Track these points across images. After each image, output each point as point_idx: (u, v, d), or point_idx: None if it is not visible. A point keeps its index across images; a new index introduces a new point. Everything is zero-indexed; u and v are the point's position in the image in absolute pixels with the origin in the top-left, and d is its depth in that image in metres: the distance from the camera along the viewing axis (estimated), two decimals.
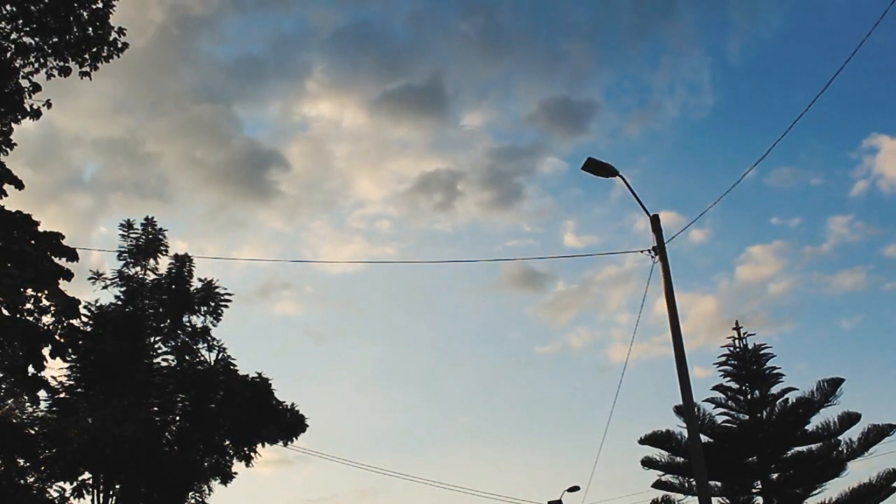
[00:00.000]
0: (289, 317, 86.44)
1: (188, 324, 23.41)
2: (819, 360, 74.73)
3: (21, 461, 19.51)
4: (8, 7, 13.26)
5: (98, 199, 79.92)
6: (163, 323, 23.33)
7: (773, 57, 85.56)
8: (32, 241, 15.58)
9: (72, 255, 16.08)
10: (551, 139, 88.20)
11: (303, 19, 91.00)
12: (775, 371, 29.91)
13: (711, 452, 24.89)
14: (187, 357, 23.10)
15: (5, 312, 15.81)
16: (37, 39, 13.54)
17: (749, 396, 29.90)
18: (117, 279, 23.28)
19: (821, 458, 28.63)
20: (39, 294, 16.14)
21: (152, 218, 24.01)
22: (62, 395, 21.87)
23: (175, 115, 78.12)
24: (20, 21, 13.35)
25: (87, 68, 13.84)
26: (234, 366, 23.29)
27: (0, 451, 18.43)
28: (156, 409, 22.58)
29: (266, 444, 23.70)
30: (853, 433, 28.54)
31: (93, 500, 20.98)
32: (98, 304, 22.66)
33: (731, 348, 30.46)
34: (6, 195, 15.08)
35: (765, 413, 29.66)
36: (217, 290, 23.69)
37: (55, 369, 24.93)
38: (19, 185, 15.12)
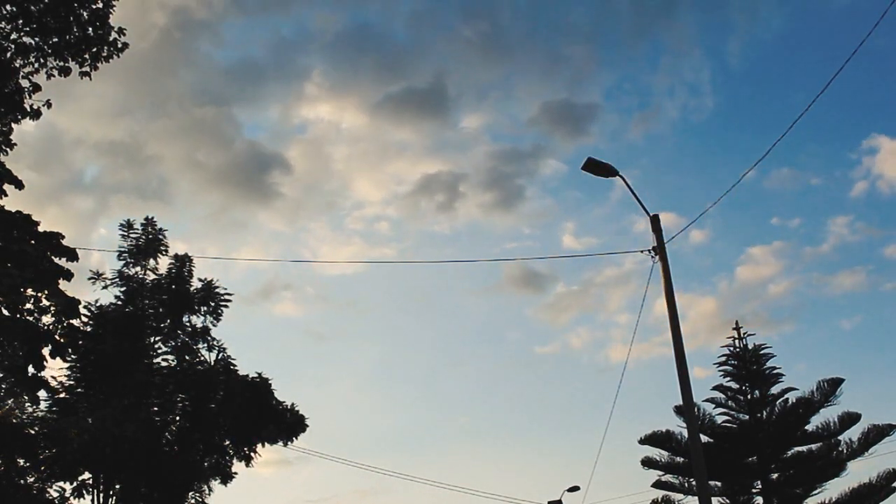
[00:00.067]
0: (289, 318, 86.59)
1: (188, 324, 23.41)
2: (819, 360, 74.84)
3: (21, 461, 19.50)
4: (8, 7, 13.25)
5: (99, 201, 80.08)
6: (163, 323, 23.32)
7: (773, 58, 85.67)
8: (32, 241, 15.56)
9: (72, 255, 16.07)
10: (552, 141, 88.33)
11: (302, 22, 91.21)
12: (775, 371, 29.95)
13: (711, 452, 24.89)
14: (187, 357, 23.10)
15: (5, 312, 15.80)
16: (37, 39, 13.53)
17: (749, 396, 29.90)
18: (117, 279, 23.27)
19: (821, 458, 28.62)
20: (39, 294, 16.12)
21: (152, 218, 24.03)
22: (62, 395, 21.87)
23: (176, 118, 78.26)
24: (20, 21, 13.34)
25: (87, 68, 13.83)
26: (234, 366, 23.31)
27: (0, 451, 18.43)
28: (156, 409, 22.58)
29: (266, 444, 23.69)
30: (853, 433, 28.61)
31: (93, 500, 21.00)
32: (98, 304, 22.69)
33: (731, 348, 30.48)
34: (6, 195, 15.07)
35: (765, 413, 29.66)
36: (217, 290, 23.69)
37: (55, 369, 24.95)
38: (19, 185, 15.11)
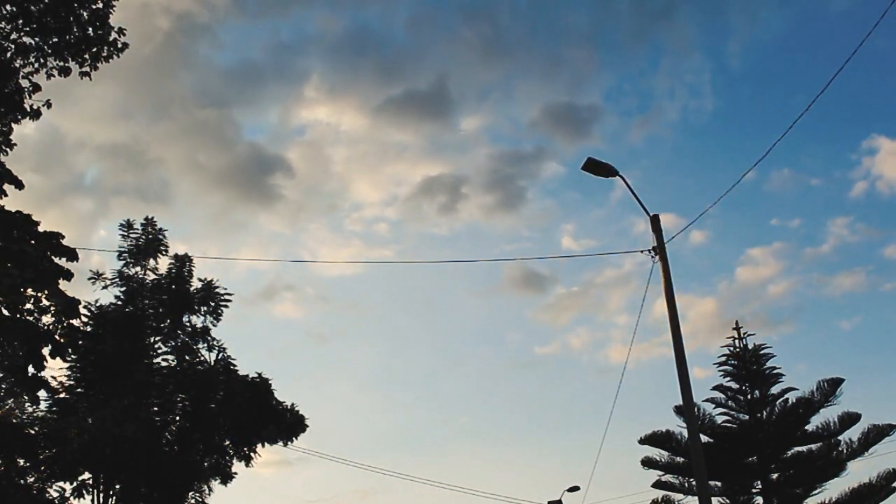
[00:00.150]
0: (289, 319, 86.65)
1: (188, 324, 23.40)
2: (819, 360, 74.86)
3: (21, 461, 19.50)
4: (8, 7, 13.25)
5: (100, 203, 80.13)
6: (163, 323, 23.31)
7: (773, 60, 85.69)
8: (32, 241, 15.55)
9: (72, 255, 16.06)
10: (553, 143, 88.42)
11: (302, 25, 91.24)
12: (775, 371, 29.92)
13: (711, 452, 24.88)
14: (187, 357, 23.09)
15: (5, 312, 15.80)
16: (37, 39, 13.53)
17: (749, 396, 29.88)
18: (117, 279, 23.26)
19: (821, 458, 28.61)
20: (39, 294, 16.12)
21: (152, 218, 24.00)
22: (62, 395, 21.85)
23: (177, 120, 78.35)
24: (20, 21, 13.34)
25: (87, 68, 13.83)
26: (234, 366, 23.30)
27: (0, 451, 18.43)
28: (156, 409, 22.57)
29: (266, 444, 23.69)
30: (853, 433, 28.59)
31: (93, 500, 20.99)
32: (98, 304, 22.67)
33: (731, 348, 30.46)
34: (6, 195, 15.07)
35: (765, 413, 29.65)
36: (217, 290, 23.67)
37: (55, 369, 24.94)
38: (19, 185, 15.10)
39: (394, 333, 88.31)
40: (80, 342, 20.36)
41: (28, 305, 16.04)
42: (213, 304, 23.54)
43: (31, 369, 16.65)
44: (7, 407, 19.83)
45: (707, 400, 30.08)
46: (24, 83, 13.66)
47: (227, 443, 23.31)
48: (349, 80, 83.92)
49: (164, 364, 22.99)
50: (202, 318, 23.50)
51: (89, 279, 22.99)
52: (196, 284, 23.58)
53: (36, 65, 13.63)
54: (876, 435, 28.19)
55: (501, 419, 79.25)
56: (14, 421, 19.49)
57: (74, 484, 20.63)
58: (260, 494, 64.51)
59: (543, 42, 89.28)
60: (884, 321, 76.47)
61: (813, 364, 77.69)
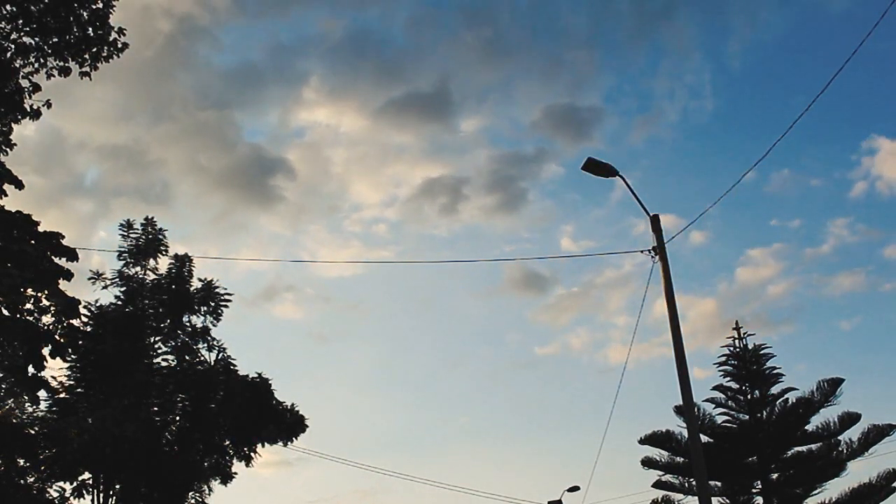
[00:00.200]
0: (290, 320, 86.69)
1: (188, 324, 23.39)
2: (819, 360, 74.90)
3: (21, 461, 19.50)
4: (8, 7, 13.25)
5: (100, 205, 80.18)
6: (163, 323, 23.30)
7: (773, 61, 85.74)
8: (32, 241, 15.55)
9: (72, 255, 16.06)
10: (555, 145, 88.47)
11: (302, 27, 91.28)
12: (775, 371, 29.92)
13: (711, 452, 24.88)
14: (187, 357, 23.08)
15: (5, 312, 15.80)
16: (37, 39, 13.53)
17: (749, 396, 29.88)
18: (117, 279, 23.25)
19: (821, 458, 28.61)
20: (39, 294, 16.11)
21: (152, 218, 23.98)
22: (62, 395, 21.85)
23: (179, 122, 78.43)
24: (20, 21, 13.34)
25: (87, 68, 13.83)
26: (234, 366, 23.29)
27: (0, 451, 18.43)
28: (156, 409, 22.56)
29: (266, 444, 23.68)
30: (853, 433, 28.59)
31: (93, 500, 20.99)
32: (98, 304, 22.66)
33: (731, 348, 30.46)
34: (6, 195, 15.07)
35: (765, 413, 29.65)
36: (217, 289, 23.66)
37: (55, 369, 24.93)
38: (19, 185, 15.10)
39: (394, 334, 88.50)
40: (80, 342, 20.35)
41: (28, 305, 16.04)
42: (213, 304, 23.54)
43: (31, 369, 16.65)
44: (7, 407, 19.83)
45: (707, 400, 30.14)
46: (24, 83, 13.66)
47: (227, 443, 23.30)
48: (349, 81, 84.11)
49: (164, 364, 22.99)
50: (202, 318, 23.52)
51: (89, 279, 23.02)
52: (196, 284, 23.60)
53: (36, 65, 13.63)
54: (876, 435, 28.19)
55: (501, 419, 79.39)
56: (14, 421, 19.49)
57: (74, 484, 20.63)
58: (260, 495, 64.56)
59: (543, 43, 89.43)
60: (884, 321, 76.58)
61: (813, 364, 77.78)
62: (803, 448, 29.02)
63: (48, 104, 13.80)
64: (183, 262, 23.67)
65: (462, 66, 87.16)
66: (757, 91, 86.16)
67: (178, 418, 22.93)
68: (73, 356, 20.67)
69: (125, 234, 23.68)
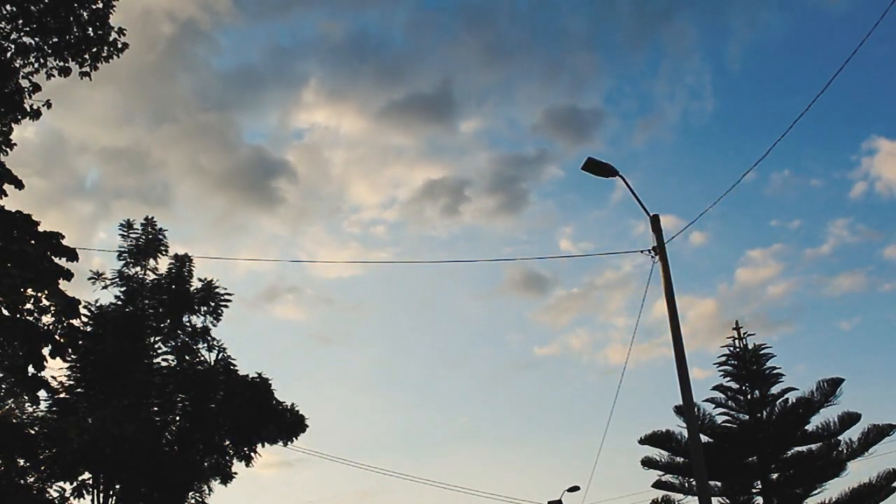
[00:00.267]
0: (290, 320, 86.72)
1: (188, 324, 23.39)
2: (819, 360, 74.95)
3: (21, 461, 19.50)
4: (8, 7, 13.25)
5: (101, 206, 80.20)
6: (163, 323, 23.30)
7: (773, 62, 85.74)
8: (32, 241, 15.55)
9: (72, 255, 16.06)
10: (556, 147, 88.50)
11: (301, 28, 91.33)
12: (775, 371, 29.92)
13: (711, 452, 24.88)
14: (187, 357, 23.08)
15: (5, 312, 15.80)
16: (37, 39, 13.52)
17: (749, 396, 29.88)
18: (117, 279, 23.25)
19: (821, 458, 28.61)
20: (39, 294, 16.11)
21: (152, 218, 23.98)
22: (62, 395, 21.84)
23: (179, 123, 78.43)
24: (20, 21, 13.34)
25: (87, 68, 13.82)
26: (234, 366, 23.29)
27: (0, 451, 18.43)
28: (156, 409, 22.55)
29: (266, 444, 23.68)
30: (853, 433, 28.60)
31: (93, 500, 20.98)
32: (98, 304, 22.66)
33: (731, 348, 30.46)
34: (6, 195, 15.07)
35: (765, 413, 29.64)
36: (217, 290, 23.66)
37: (55, 369, 24.97)
38: (19, 185, 15.10)
39: (394, 334, 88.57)
40: (80, 342, 20.37)
41: (28, 305, 16.04)
42: (213, 304, 23.54)
43: (31, 369, 16.65)
44: (7, 407, 19.83)
45: (707, 400, 30.14)
46: (24, 83, 13.66)
47: (227, 443, 23.30)
48: (349, 83, 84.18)
49: (164, 364, 22.99)
50: (202, 318, 23.52)
51: (89, 279, 23.02)
52: (196, 284, 23.60)
53: (36, 65, 13.63)
54: (876, 435, 28.19)
55: (501, 419, 79.42)
56: (14, 421, 19.49)
57: (74, 484, 20.64)
58: (260, 495, 64.52)
59: (544, 45, 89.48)
60: (883, 321, 76.64)
61: (813, 364, 77.84)
62: (803, 448, 29.03)
63: (48, 104, 13.80)
64: (183, 262, 23.67)
65: (462, 68, 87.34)
66: (757, 92, 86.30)
67: (178, 418, 22.92)
68: (73, 356, 20.68)
69: (125, 234, 23.72)
